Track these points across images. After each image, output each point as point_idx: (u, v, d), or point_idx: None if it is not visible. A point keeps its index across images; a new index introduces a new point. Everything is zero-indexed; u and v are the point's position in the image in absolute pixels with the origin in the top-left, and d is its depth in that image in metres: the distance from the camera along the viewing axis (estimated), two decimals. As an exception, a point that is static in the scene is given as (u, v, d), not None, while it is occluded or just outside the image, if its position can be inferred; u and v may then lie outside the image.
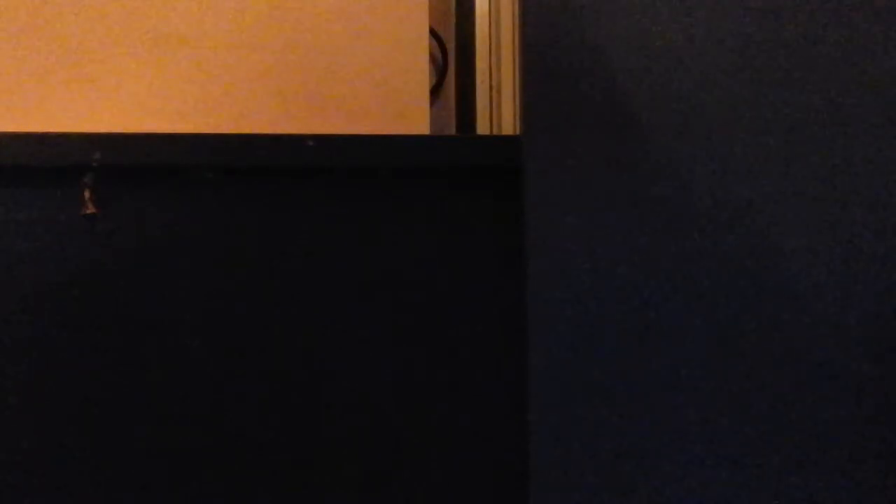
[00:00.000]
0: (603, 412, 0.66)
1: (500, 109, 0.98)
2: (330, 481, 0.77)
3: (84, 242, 0.75)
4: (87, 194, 0.75)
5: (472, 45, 1.04)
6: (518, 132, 0.78)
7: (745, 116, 0.67)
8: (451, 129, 1.04)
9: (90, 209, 0.75)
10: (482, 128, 1.02)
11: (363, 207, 0.78)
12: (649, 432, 0.66)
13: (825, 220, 0.66)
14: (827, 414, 0.65)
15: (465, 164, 0.79)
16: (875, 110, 0.66)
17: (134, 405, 0.75)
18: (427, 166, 0.79)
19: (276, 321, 0.77)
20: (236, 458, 0.76)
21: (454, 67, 1.05)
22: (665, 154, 0.67)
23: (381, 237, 0.78)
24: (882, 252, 0.65)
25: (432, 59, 1.02)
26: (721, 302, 0.66)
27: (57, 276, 0.75)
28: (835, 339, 0.65)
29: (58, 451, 0.74)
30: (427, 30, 0.85)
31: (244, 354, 0.76)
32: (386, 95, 0.84)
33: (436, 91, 1.03)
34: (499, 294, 0.78)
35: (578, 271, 0.67)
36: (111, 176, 0.75)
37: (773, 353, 0.66)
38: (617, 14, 0.68)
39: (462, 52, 1.06)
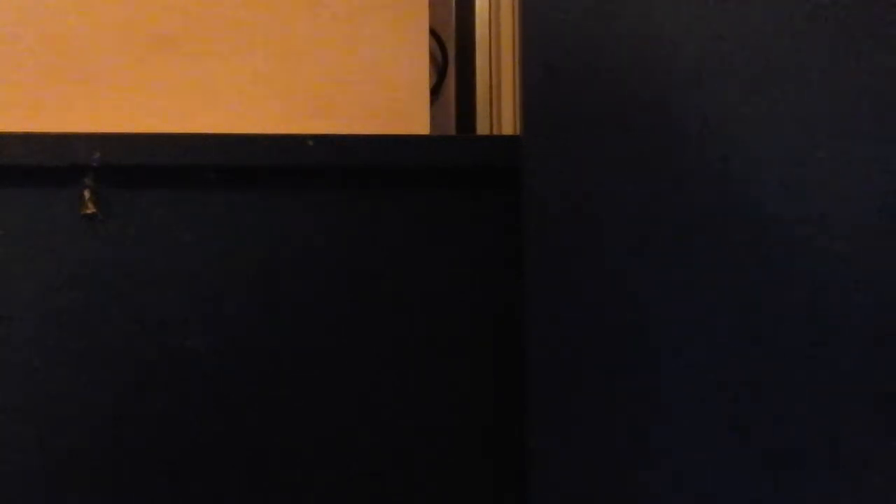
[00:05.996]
0: (603, 412, 0.66)
1: (500, 109, 0.98)
2: (330, 481, 0.77)
3: (84, 242, 0.75)
4: (87, 194, 0.75)
5: (472, 45, 1.04)
6: (518, 132, 0.78)
7: (748, 115, 0.67)
8: (451, 129, 1.04)
9: (90, 209, 0.75)
10: (482, 128, 1.02)
11: (363, 207, 0.78)
12: (650, 433, 0.66)
13: (829, 219, 0.66)
14: (835, 416, 0.65)
15: (465, 164, 0.79)
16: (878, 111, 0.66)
17: (135, 406, 0.75)
18: (427, 166, 0.79)
19: (277, 321, 0.77)
20: (238, 459, 0.76)
21: (454, 67, 1.05)
22: (666, 154, 0.67)
23: (380, 237, 0.78)
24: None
25: (432, 59, 1.02)
26: (724, 301, 0.66)
27: (57, 276, 0.75)
28: (845, 340, 0.65)
29: (58, 452, 0.74)
30: (427, 30, 0.85)
31: (245, 355, 0.76)
32: (386, 95, 0.84)
33: (436, 91, 1.03)
34: (498, 294, 0.78)
35: (578, 271, 0.67)
36: (111, 176, 0.76)
37: (781, 353, 0.66)
38: (617, 14, 0.68)
39: (462, 52, 1.06)
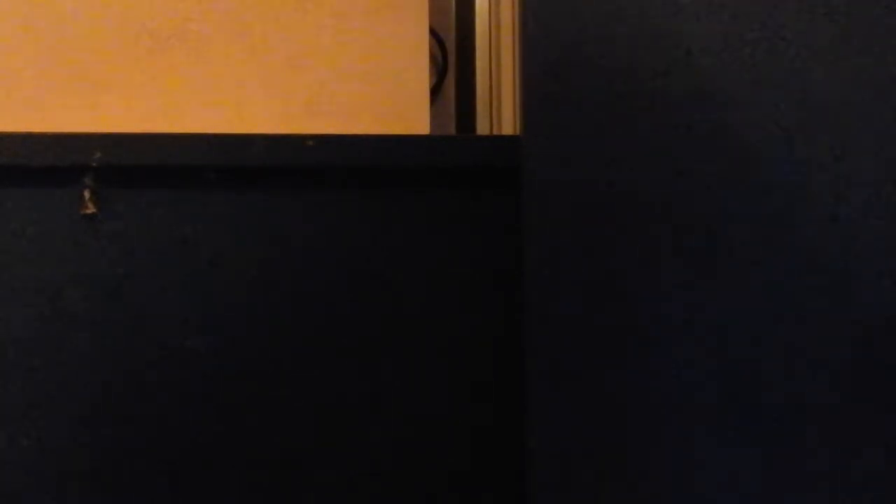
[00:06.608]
0: (602, 412, 0.66)
1: (500, 109, 0.98)
2: (330, 481, 0.77)
3: (84, 242, 0.75)
4: (87, 194, 0.75)
5: (472, 45, 1.04)
6: (518, 132, 0.78)
7: (751, 113, 0.67)
8: (451, 129, 1.04)
9: (90, 209, 0.75)
10: (482, 128, 1.02)
11: (363, 207, 0.78)
12: (650, 433, 0.66)
13: (830, 219, 0.66)
14: (835, 413, 0.65)
15: (465, 164, 0.79)
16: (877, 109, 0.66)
17: (135, 406, 0.75)
18: (427, 166, 0.79)
19: (277, 321, 0.77)
20: (238, 459, 0.76)
21: (454, 67, 1.05)
22: (666, 153, 0.67)
23: (380, 237, 0.78)
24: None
25: (432, 59, 1.02)
26: (724, 300, 0.66)
27: (57, 276, 0.75)
28: (843, 339, 0.65)
29: (58, 452, 0.74)
30: (427, 30, 0.85)
31: (245, 355, 0.76)
32: (386, 95, 0.84)
33: (436, 91, 1.03)
34: (498, 294, 0.78)
35: (578, 271, 0.67)
36: (111, 176, 0.75)
37: (781, 352, 0.66)
38: (617, 13, 0.68)
39: (462, 52, 1.06)
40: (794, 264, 0.66)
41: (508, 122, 0.95)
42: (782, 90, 0.67)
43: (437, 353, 0.78)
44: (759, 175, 0.66)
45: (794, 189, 0.66)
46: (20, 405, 0.74)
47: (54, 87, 0.80)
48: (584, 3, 0.68)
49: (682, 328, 0.66)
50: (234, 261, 0.77)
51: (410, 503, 0.77)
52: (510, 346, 0.77)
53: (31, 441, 0.74)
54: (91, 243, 0.75)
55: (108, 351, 0.75)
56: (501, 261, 0.78)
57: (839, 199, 0.66)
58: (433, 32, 1.02)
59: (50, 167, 0.74)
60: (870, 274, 0.65)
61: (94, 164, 0.75)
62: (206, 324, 0.76)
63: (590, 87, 0.67)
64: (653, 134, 0.67)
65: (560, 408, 0.66)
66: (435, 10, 0.94)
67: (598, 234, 0.67)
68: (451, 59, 1.05)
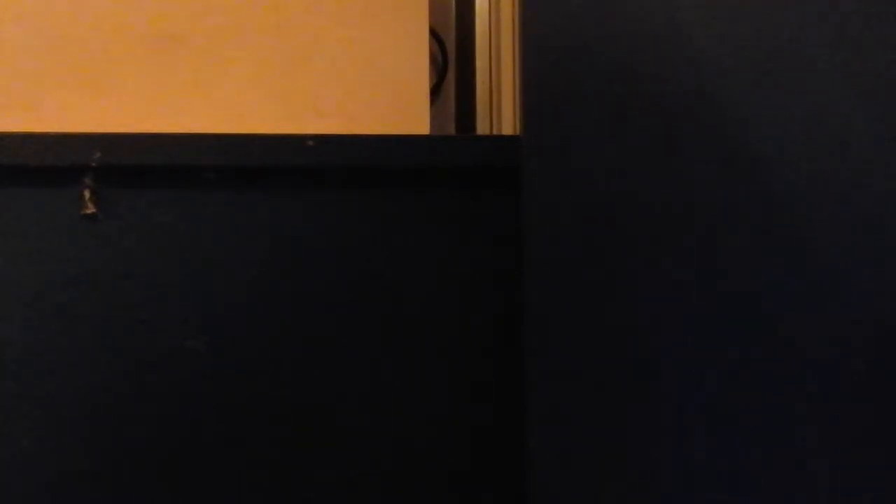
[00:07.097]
0: (602, 412, 0.66)
1: (500, 109, 0.98)
2: (330, 481, 0.77)
3: (84, 242, 0.75)
4: (87, 194, 0.75)
5: (472, 45, 1.04)
6: (518, 132, 0.78)
7: (752, 114, 0.67)
8: (451, 129, 1.04)
9: (90, 209, 0.75)
10: (482, 128, 1.02)
11: (363, 207, 0.78)
12: (650, 433, 0.66)
13: (831, 220, 0.66)
14: (837, 416, 0.65)
15: (465, 164, 0.79)
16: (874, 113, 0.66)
17: (134, 406, 0.75)
18: (427, 166, 0.79)
19: (277, 321, 0.77)
20: (237, 459, 0.76)
21: (454, 67, 1.05)
22: (666, 153, 0.67)
23: (380, 237, 0.78)
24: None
25: (432, 59, 1.02)
26: (724, 300, 0.66)
27: (57, 276, 0.75)
28: (845, 340, 0.65)
29: (58, 452, 0.74)
30: (427, 30, 0.85)
31: (245, 355, 0.76)
32: (386, 95, 0.84)
33: (436, 91, 1.03)
34: (498, 294, 0.78)
35: (578, 271, 0.67)
36: (111, 176, 0.76)
37: (782, 354, 0.66)
38: (617, 13, 0.68)
39: (462, 52, 1.06)
40: (795, 264, 0.66)
41: (508, 122, 0.95)
42: (782, 90, 0.67)
43: (437, 353, 0.78)
44: (759, 175, 0.66)
45: (794, 189, 0.66)
46: (20, 405, 0.74)
47: (54, 87, 0.80)
48: (584, 2, 0.68)
49: (681, 328, 0.66)
50: (234, 261, 0.77)
51: (410, 503, 0.77)
52: (510, 346, 0.77)
53: (31, 441, 0.74)
54: (91, 243, 0.75)
55: (107, 351, 0.75)
56: (501, 261, 0.78)
57: (840, 199, 0.66)
58: (433, 32, 1.02)
59: (50, 167, 0.74)
60: (869, 274, 0.65)
61: (94, 164, 0.75)
62: (206, 324, 0.76)
63: (590, 87, 0.67)
64: (653, 134, 0.67)
65: (560, 408, 0.67)
66: (435, 10, 0.94)
67: (598, 234, 0.67)
68: (451, 59, 1.05)
